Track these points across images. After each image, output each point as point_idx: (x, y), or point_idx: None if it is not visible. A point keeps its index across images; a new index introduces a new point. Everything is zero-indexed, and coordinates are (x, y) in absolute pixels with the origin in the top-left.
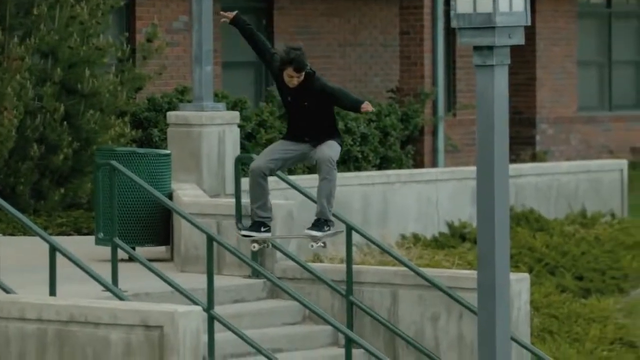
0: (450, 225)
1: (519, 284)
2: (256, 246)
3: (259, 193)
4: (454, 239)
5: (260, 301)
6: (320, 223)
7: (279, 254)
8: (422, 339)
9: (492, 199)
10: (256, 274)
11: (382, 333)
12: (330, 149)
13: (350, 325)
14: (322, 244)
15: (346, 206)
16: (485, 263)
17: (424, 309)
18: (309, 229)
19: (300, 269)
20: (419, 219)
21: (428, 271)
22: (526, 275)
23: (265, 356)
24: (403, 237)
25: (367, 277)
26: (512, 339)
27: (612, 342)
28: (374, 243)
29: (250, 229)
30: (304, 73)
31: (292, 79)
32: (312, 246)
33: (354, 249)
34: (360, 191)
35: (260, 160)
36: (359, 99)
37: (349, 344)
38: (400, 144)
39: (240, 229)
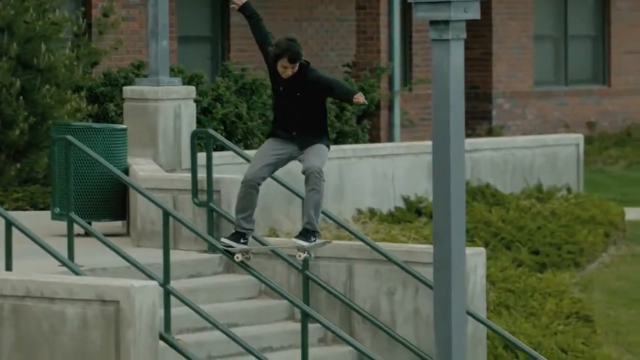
0: (406, 200)
1: (475, 258)
2: (239, 256)
3: (248, 204)
4: (410, 214)
5: (217, 276)
6: (308, 233)
7: None
8: (378, 314)
9: (447, 173)
10: (212, 249)
11: (338, 307)
12: (319, 158)
13: (306, 300)
14: (308, 255)
15: (302, 181)
16: (441, 237)
17: (380, 284)
18: (296, 238)
19: (256, 243)
20: (375, 193)
21: (384, 246)
22: (482, 250)
23: (222, 331)
24: (359, 211)
25: (323, 252)
26: (468, 313)
27: (568, 316)
28: (330, 218)
29: (231, 238)
30: (298, 64)
31: (287, 69)
32: (299, 256)
33: None
34: None
35: (253, 169)
36: (352, 90)
37: (305, 318)
38: (357, 118)
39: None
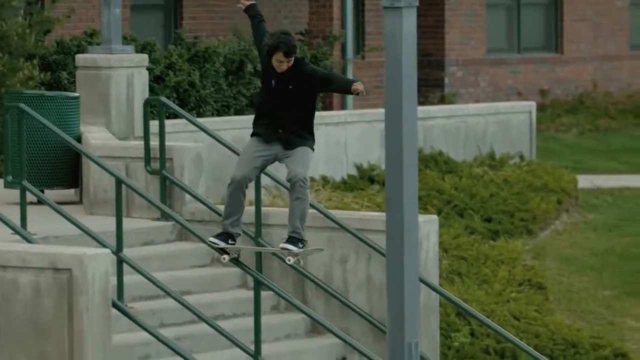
0: (359, 168)
1: (428, 226)
2: (226, 258)
3: (237, 207)
4: (363, 182)
5: (169, 244)
6: (295, 240)
7: (187, 197)
8: (330, 281)
9: (400, 141)
10: (165, 217)
11: (291, 275)
12: (303, 164)
13: (259, 268)
14: (297, 260)
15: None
16: (393, 205)
17: (333, 251)
18: (285, 243)
19: (209, 211)
20: (328, 161)
21: (337, 213)
22: (435, 217)
23: (174, 298)
24: (312, 179)
25: (276, 220)
26: (421, 280)
27: (521, 283)
28: (282, 185)
29: (219, 238)
30: (293, 58)
31: (282, 63)
32: (289, 260)
33: (262, 191)
34: None
35: (240, 171)
36: (350, 79)
37: (258, 286)
38: None
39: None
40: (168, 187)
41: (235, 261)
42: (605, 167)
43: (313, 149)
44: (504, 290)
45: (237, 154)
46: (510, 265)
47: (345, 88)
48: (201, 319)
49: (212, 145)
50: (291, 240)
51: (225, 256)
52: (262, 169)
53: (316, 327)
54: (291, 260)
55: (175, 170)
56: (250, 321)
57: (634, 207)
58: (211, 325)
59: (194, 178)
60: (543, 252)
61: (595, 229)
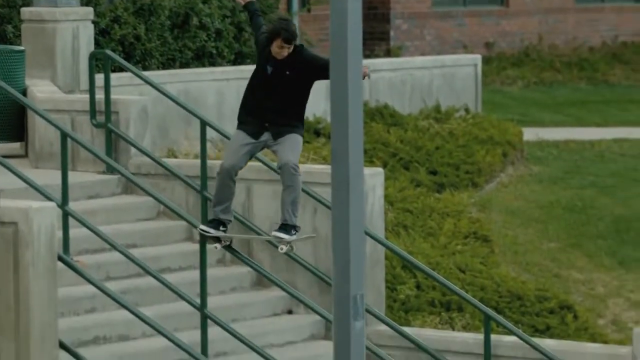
0: (305, 121)
1: (373, 178)
2: (218, 246)
3: (227, 195)
4: (309, 134)
5: (115, 197)
6: (288, 227)
7: (133, 150)
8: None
9: (345, 94)
10: (110, 170)
11: (236, 228)
12: (293, 151)
13: (204, 221)
14: (290, 247)
15: (200, 102)
16: (339, 158)
17: (279, 204)
18: (277, 231)
19: (154, 164)
20: None
21: None
22: (380, 170)
23: (120, 252)
24: None
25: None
26: (366, 233)
27: (466, 236)
28: (228, 138)
29: (209, 225)
30: (293, 44)
31: (282, 49)
32: (281, 249)
33: (208, 144)
34: (214, 87)
35: (230, 160)
36: None
37: (204, 239)
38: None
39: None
40: (113, 140)
41: (228, 248)
42: (551, 120)
43: (302, 135)
44: (450, 242)
45: (183, 107)
46: (455, 218)
47: None
48: (147, 272)
49: (157, 99)
50: (283, 227)
51: (217, 244)
52: (251, 155)
53: (262, 280)
54: (284, 248)
55: (120, 123)
56: (196, 274)
57: (579, 159)
58: (157, 279)
59: (140, 131)
60: (488, 205)
61: (540, 181)
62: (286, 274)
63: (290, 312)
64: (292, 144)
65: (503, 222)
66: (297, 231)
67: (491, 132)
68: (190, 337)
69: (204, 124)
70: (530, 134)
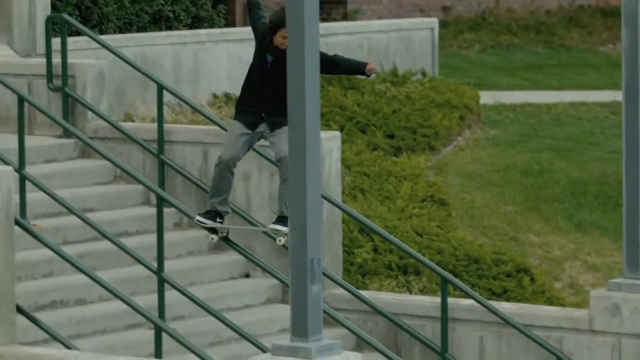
0: None
1: (330, 142)
2: (215, 238)
3: (224, 187)
4: None
5: (72, 161)
6: (285, 219)
7: (90, 114)
8: (233, 198)
9: (302, 58)
10: (67, 134)
11: (193, 192)
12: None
13: (161, 184)
14: (287, 239)
15: (157, 66)
16: (295, 122)
17: (236, 168)
18: (274, 223)
19: (111, 128)
20: (231, 78)
21: None
22: (337, 134)
23: (77, 216)
24: (214, 96)
25: (179, 136)
26: (323, 197)
27: (423, 199)
28: (185, 102)
29: (206, 216)
30: None
31: (287, 39)
32: (279, 241)
33: (165, 108)
34: (171, 51)
35: (229, 152)
36: (360, 61)
37: (161, 203)
38: (212, 3)
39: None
40: (70, 104)
41: (225, 239)
42: (508, 84)
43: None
44: (407, 206)
45: (139, 70)
46: (412, 181)
47: (357, 70)
48: (104, 236)
49: (114, 63)
50: (281, 220)
51: (214, 236)
52: (249, 147)
53: (219, 244)
54: (282, 240)
55: (77, 87)
56: (153, 238)
57: (535, 122)
58: (114, 243)
59: (96, 95)
60: (445, 168)
61: (497, 144)
62: (243, 237)
63: (247, 275)
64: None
65: (460, 186)
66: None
67: (448, 95)
68: (148, 300)
69: (160, 88)
70: (487, 97)
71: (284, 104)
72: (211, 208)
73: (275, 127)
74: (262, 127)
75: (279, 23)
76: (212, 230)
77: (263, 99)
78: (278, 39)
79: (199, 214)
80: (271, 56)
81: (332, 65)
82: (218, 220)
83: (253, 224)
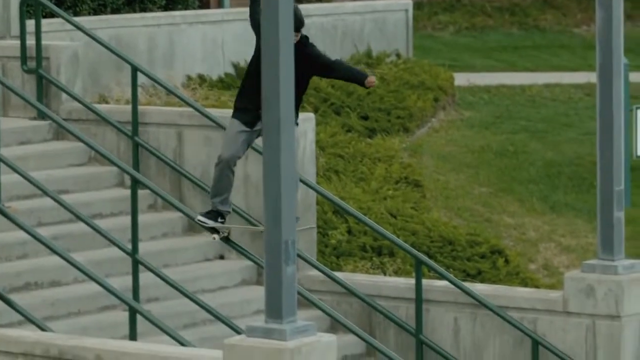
0: (235, 66)
1: (305, 123)
2: (216, 237)
3: (225, 186)
4: (240, 80)
5: (46, 143)
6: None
7: (64, 96)
8: (208, 180)
9: (276, 39)
10: (42, 116)
11: (168, 174)
12: None
13: (136, 166)
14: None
15: (131, 48)
16: (270, 103)
17: (210, 150)
18: None
19: (85, 110)
20: (205, 60)
21: (213, 112)
22: (312, 115)
23: (52, 197)
24: (189, 78)
25: (153, 118)
26: (299, 178)
27: (398, 181)
28: (159, 84)
29: (207, 216)
30: (300, 33)
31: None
32: None
33: (139, 90)
34: (145, 32)
35: (229, 150)
36: (361, 71)
37: (135, 184)
38: None
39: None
40: (45, 86)
41: (226, 240)
42: (482, 65)
43: (297, 124)
44: (381, 187)
45: (114, 52)
46: (387, 163)
47: (355, 79)
48: (78, 217)
49: (88, 44)
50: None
51: (216, 235)
52: (248, 145)
53: (193, 226)
54: None
55: (51, 69)
56: (127, 220)
57: (510, 104)
58: (88, 224)
59: (71, 77)
60: (420, 150)
61: (471, 126)
62: None
63: (222, 257)
64: None
65: (434, 167)
66: (297, 221)
67: (423, 77)
68: (122, 282)
69: (135, 70)
70: (461, 79)
71: None
72: (212, 208)
73: None
74: (260, 125)
75: None
76: (213, 230)
77: (261, 96)
78: None
79: (200, 214)
80: None
81: (328, 70)
82: (219, 220)
83: (253, 224)
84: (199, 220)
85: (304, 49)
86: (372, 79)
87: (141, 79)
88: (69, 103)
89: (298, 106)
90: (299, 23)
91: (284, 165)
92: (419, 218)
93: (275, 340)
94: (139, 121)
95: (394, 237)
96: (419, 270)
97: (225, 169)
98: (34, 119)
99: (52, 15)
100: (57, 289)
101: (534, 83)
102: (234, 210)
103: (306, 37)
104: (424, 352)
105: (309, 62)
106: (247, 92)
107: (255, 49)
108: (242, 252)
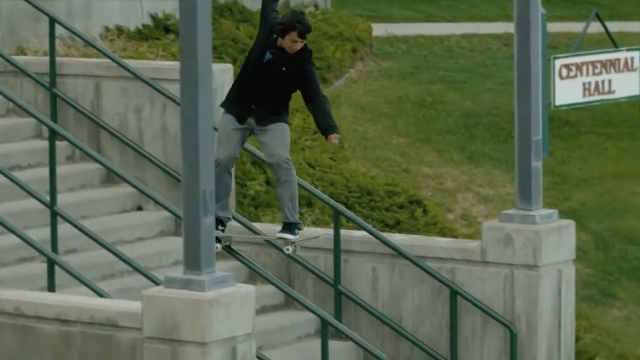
0: (154, 17)
1: (223, 74)
2: (218, 247)
3: (224, 190)
4: (158, 31)
5: None
6: (291, 226)
7: None
8: (126, 131)
9: None
10: None
11: (86, 125)
12: (282, 143)
13: (54, 118)
14: (295, 247)
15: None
16: (187, 54)
17: (128, 101)
18: (281, 232)
19: (3, 61)
20: (123, 10)
21: (132, 63)
22: (230, 66)
23: None
24: (107, 29)
25: (71, 69)
26: (215, 129)
27: (315, 131)
28: (77, 35)
29: None
30: (305, 39)
31: (296, 44)
32: (287, 249)
33: (57, 41)
34: None
35: (225, 151)
36: (334, 124)
37: (53, 136)
38: None
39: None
40: None
41: (228, 249)
42: (400, 16)
43: (288, 122)
44: (299, 138)
45: (31, 3)
46: (305, 113)
47: (323, 126)
48: None
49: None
50: (287, 227)
51: (217, 245)
52: (242, 142)
53: (111, 177)
54: (290, 249)
55: None
56: (45, 171)
57: (428, 54)
58: (6, 176)
59: None
60: (338, 101)
61: (389, 76)
62: (136, 170)
63: (140, 208)
64: (281, 136)
65: (353, 118)
66: (300, 229)
67: (340, 28)
68: (40, 234)
69: (52, 21)
70: (379, 29)
71: (275, 102)
72: None
73: (263, 122)
74: (251, 121)
75: (289, 26)
76: (216, 239)
77: (254, 91)
78: (287, 42)
79: None
80: (270, 54)
81: (310, 98)
82: (219, 227)
83: (256, 233)
84: None
85: (303, 61)
86: (336, 137)
87: (59, 30)
88: None
89: (286, 101)
90: (306, 29)
91: (202, 118)
92: (337, 168)
93: (193, 291)
94: (57, 73)
95: (312, 187)
96: (337, 220)
97: (223, 171)
98: None
99: None
100: None
101: (452, 33)
102: (150, 159)
103: (311, 52)
104: (343, 302)
105: (299, 76)
106: (241, 84)
107: (257, 41)
108: (160, 203)
